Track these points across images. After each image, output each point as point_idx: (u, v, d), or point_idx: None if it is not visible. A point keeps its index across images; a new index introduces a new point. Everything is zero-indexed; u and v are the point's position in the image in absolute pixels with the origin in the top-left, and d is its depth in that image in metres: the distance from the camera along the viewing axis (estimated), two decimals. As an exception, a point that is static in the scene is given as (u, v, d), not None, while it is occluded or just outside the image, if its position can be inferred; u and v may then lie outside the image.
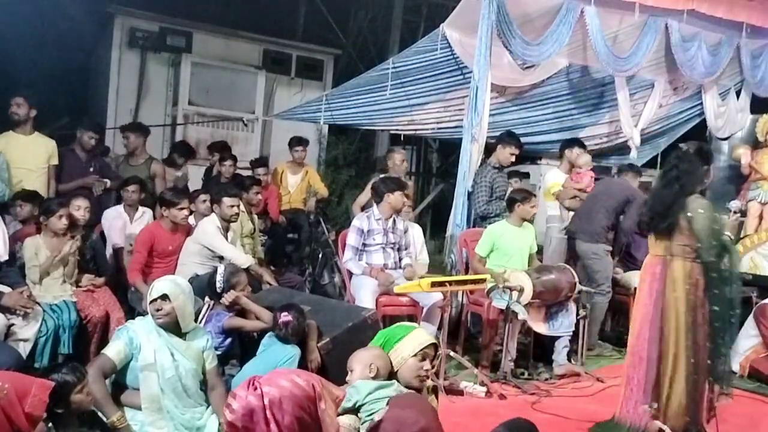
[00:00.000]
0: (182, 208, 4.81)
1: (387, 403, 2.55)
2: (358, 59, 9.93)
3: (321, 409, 2.53)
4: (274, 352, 3.46)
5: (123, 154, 6.34)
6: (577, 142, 6.20)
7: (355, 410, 2.60)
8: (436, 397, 3.00)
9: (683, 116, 7.55)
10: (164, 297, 3.11)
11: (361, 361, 2.76)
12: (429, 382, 2.89)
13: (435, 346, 2.88)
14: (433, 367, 2.90)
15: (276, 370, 2.94)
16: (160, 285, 3.17)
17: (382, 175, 5.93)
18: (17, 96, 5.18)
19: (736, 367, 5.17)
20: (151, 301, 3.12)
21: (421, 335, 2.89)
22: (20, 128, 5.20)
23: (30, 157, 5.21)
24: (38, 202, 4.66)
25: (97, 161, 5.74)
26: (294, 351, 3.43)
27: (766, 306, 5.12)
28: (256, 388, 2.49)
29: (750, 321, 5.18)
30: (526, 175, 7.19)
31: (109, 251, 5.09)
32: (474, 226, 5.71)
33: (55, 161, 5.35)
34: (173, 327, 3.16)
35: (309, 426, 2.48)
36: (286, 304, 3.65)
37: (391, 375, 2.79)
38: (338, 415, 2.63)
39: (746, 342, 5.20)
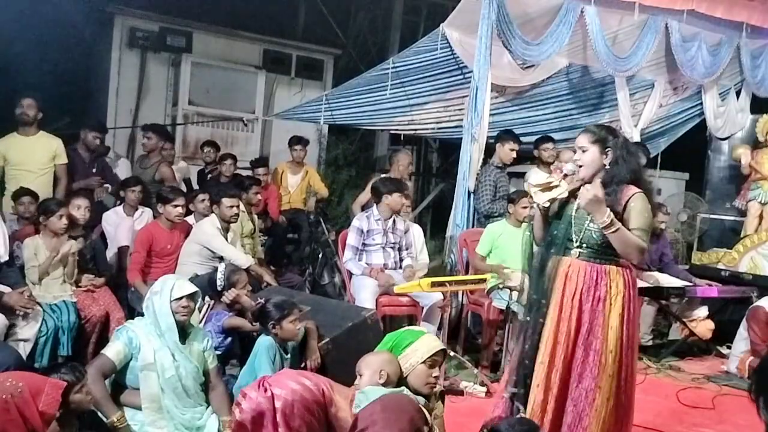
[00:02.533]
0: (176, 205, 4.82)
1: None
2: (358, 59, 9.92)
3: (332, 413, 2.52)
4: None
5: (140, 155, 6.40)
6: (546, 139, 6.11)
7: None
8: (443, 403, 2.97)
9: (683, 116, 7.54)
10: (192, 296, 3.17)
11: (370, 366, 2.71)
12: (437, 388, 2.84)
13: (444, 353, 2.85)
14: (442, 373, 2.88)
15: (284, 371, 2.95)
16: (185, 284, 3.22)
17: (382, 176, 5.94)
18: (27, 97, 5.17)
19: (733, 369, 5.19)
20: (177, 299, 3.13)
21: (431, 341, 2.83)
22: (23, 129, 5.21)
23: (31, 157, 5.23)
24: (36, 201, 4.67)
25: (100, 162, 5.75)
26: (261, 341, 3.34)
27: (758, 310, 5.08)
28: (266, 390, 2.49)
29: (744, 323, 5.18)
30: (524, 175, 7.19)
31: (112, 252, 5.10)
32: (475, 226, 5.72)
33: (63, 160, 5.34)
34: (179, 327, 3.18)
35: (316, 430, 2.47)
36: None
37: (400, 380, 2.75)
38: None
39: (741, 344, 5.20)
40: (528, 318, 3.04)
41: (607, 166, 2.93)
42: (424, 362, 2.74)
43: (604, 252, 2.92)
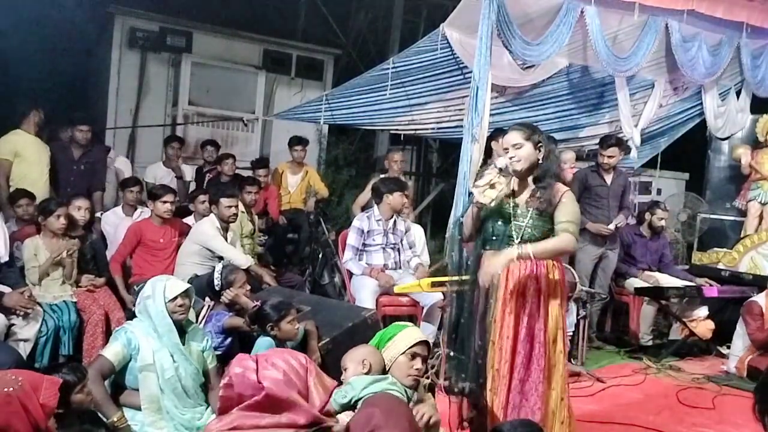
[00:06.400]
0: (165, 201, 4.89)
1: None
2: (358, 59, 9.92)
3: (310, 380, 2.62)
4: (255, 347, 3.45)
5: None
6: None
7: (351, 406, 2.62)
8: (433, 395, 2.99)
9: (683, 116, 7.54)
10: (186, 293, 3.19)
11: (353, 359, 2.77)
12: (425, 380, 2.86)
13: (427, 345, 2.85)
14: (432, 367, 2.88)
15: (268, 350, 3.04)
16: (178, 283, 3.24)
17: (382, 176, 5.93)
18: (35, 109, 5.33)
19: (733, 369, 5.19)
20: (171, 300, 3.15)
21: (411, 333, 2.86)
22: (26, 126, 5.26)
23: (42, 157, 5.33)
24: (34, 202, 4.70)
25: (88, 157, 5.73)
26: (261, 342, 3.36)
27: (753, 304, 5.10)
28: (251, 357, 2.66)
29: (740, 321, 5.18)
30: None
31: (111, 252, 5.10)
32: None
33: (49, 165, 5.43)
34: (177, 326, 3.19)
35: (295, 387, 2.56)
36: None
37: (385, 372, 2.78)
38: (333, 413, 2.65)
39: (739, 342, 5.20)
40: (468, 314, 3.07)
41: (540, 161, 3.02)
42: (404, 353, 2.77)
43: None
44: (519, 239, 2.98)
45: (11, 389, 2.29)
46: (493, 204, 2.94)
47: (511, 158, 3.00)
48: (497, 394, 2.96)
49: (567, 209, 3.01)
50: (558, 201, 3.01)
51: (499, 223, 3.03)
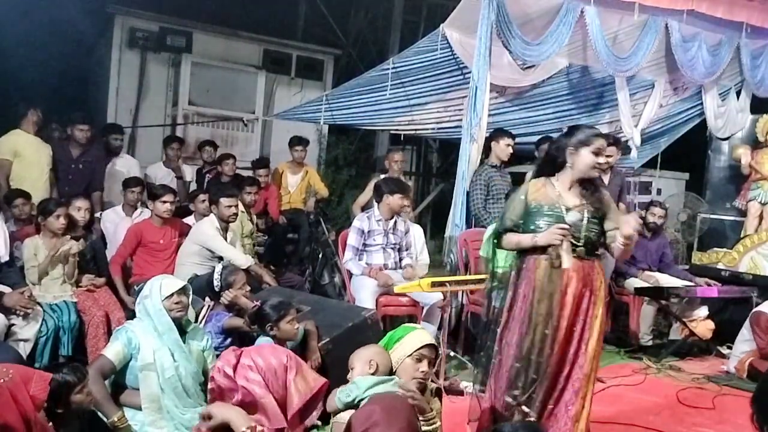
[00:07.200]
0: (165, 201, 4.89)
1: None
2: (358, 59, 9.94)
3: (289, 379, 2.66)
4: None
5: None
6: (546, 140, 5.91)
7: (355, 405, 2.63)
8: (440, 400, 2.98)
9: (683, 116, 7.54)
10: (182, 290, 3.20)
11: (361, 359, 2.78)
12: (432, 385, 2.87)
13: (434, 348, 2.85)
14: (433, 369, 2.89)
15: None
16: (174, 281, 3.25)
17: (383, 176, 5.92)
18: (32, 108, 5.33)
19: (733, 369, 5.18)
20: (167, 297, 3.16)
21: (419, 336, 2.86)
22: (25, 126, 5.27)
23: (43, 157, 5.32)
24: (29, 202, 4.70)
25: (86, 156, 5.72)
26: (260, 342, 3.36)
27: (761, 315, 5.07)
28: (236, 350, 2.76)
29: (746, 325, 5.17)
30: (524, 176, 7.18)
31: (111, 252, 5.10)
32: (474, 226, 5.70)
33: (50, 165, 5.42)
34: (177, 324, 3.20)
35: (272, 388, 2.62)
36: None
37: (392, 373, 2.80)
38: (336, 411, 2.66)
39: (742, 345, 5.19)
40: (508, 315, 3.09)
41: None
42: (410, 356, 2.78)
43: (595, 249, 3.05)
44: (581, 243, 2.98)
45: (1, 381, 2.33)
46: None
47: (602, 164, 3.04)
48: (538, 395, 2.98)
49: (617, 212, 3.12)
50: (605, 202, 3.09)
51: (550, 224, 3.02)
